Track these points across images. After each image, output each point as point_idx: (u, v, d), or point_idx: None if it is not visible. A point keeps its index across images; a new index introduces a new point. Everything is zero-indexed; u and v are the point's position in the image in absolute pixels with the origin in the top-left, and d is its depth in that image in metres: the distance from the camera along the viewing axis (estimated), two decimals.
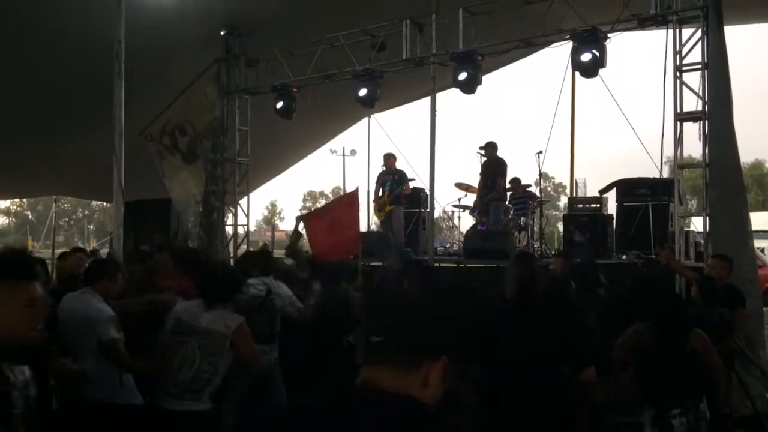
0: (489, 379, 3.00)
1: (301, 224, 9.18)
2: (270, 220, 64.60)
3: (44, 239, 44.48)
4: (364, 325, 4.59)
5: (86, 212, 69.34)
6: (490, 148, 10.86)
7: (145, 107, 10.52)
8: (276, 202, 69.12)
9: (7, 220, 69.33)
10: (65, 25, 9.24)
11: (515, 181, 11.34)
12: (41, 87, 10.18)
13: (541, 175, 10.82)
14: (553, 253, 10.27)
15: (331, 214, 9.28)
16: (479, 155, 11.02)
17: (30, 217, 66.92)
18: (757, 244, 12.51)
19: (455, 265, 9.85)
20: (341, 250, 8.52)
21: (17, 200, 62.03)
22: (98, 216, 66.97)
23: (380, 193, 11.35)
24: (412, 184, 11.58)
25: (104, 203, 40.25)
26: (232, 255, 11.50)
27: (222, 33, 11.18)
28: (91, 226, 68.32)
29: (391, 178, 11.17)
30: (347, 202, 9.59)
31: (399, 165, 11.55)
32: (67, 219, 67.00)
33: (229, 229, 12.05)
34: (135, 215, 10.30)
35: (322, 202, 68.39)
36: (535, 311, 3.64)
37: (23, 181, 14.55)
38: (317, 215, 9.80)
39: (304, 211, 68.74)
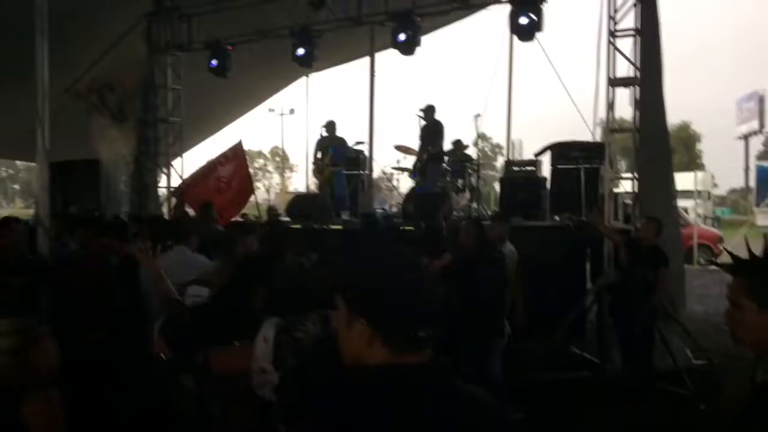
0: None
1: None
2: None
3: None
4: None
5: (10, 171, 66.18)
6: (428, 111, 10.87)
7: (72, 62, 10.02)
8: None
9: None
10: None
11: (457, 142, 11.43)
12: None
13: (479, 136, 10.92)
14: (489, 213, 10.47)
15: (214, 173, 9.62)
16: (419, 118, 11.02)
17: None
18: (681, 203, 13.09)
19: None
20: (236, 205, 9.22)
21: None
22: (23, 175, 64.05)
23: (319, 155, 11.31)
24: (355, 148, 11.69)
25: (29, 163, 38.52)
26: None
27: None
28: (17, 186, 65.42)
29: (332, 143, 11.20)
30: (230, 156, 9.87)
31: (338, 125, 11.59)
32: None
33: (162, 191, 11.74)
34: (63, 176, 9.91)
35: (260, 162, 67.27)
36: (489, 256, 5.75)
37: None
38: (200, 178, 9.95)
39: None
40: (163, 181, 11.67)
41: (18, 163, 55.19)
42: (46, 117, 7.37)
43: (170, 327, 3.30)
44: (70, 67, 10.00)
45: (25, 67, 8.62)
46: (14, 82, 10.09)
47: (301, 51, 9.77)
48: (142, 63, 10.92)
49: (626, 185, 8.41)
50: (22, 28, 8.38)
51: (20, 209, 42.11)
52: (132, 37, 10.77)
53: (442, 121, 10.86)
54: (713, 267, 16.02)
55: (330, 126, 11.42)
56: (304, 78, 15.38)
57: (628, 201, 8.62)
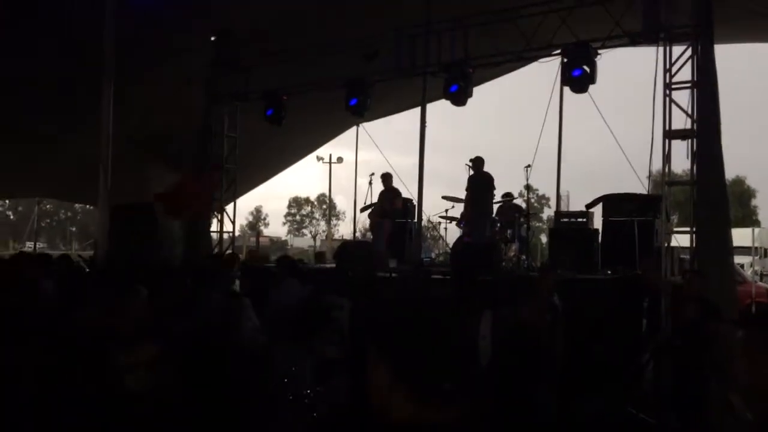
0: None
1: None
2: (255, 226, 64.16)
3: (26, 241, 43.86)
4: None
5: (69, 214, 68.34)
6: (477, 162, 10.88)
7: (132, 111, 10.42)
8: (261, 208, 68.63)
9: None
10: (53, 26, 9.14)
11: (506, 195, 11.39)
12: (25, 87, 10.05)
13: (528, 188, 10.83)
14: (538, 265, 10.29)
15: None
16: (467, 168, 11.03)
17: (11, 217, 65.92)
18: (737, 260, 12.62)
19: (442, 277, 9.79)
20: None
21: None
22: (81, 218, 66.06)
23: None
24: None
25: (87, 205, 39.91)
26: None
27: (213, 38, 11.10)
28: (74, 228, 67.49)
29: (388, 195, 11.38)
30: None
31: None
32: (48, 220, 66.14)
33: (214, 235, 11.96)
34: (118, 219, 10.17)
35: (307, 209, 68.13)
36: None
37: (6, 183, 14.38)
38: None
39: (290, 218, 68.58)
40: (214, 225, 11.93)
41: (77, 205, 57.24)
42: (108, 161, 7.66)
43: None
44: (130, 113, 10.39)
45: (86, 113, 9.02)
46: (76, 127, 10.56)
47: (354, 101, 9.95)
48: (200, 111, 11.27)
49: (680, 239, 8.17)
50: (84, 75, 8.81)
51: (77, 251, 43.38)
52: (192, 87, 11.17)
53: (491, 173, 10.85)
54: None
55: (384, 178, 11.70)
56: (354, 127, 15.65)
57: (683, 256, 8.36)
